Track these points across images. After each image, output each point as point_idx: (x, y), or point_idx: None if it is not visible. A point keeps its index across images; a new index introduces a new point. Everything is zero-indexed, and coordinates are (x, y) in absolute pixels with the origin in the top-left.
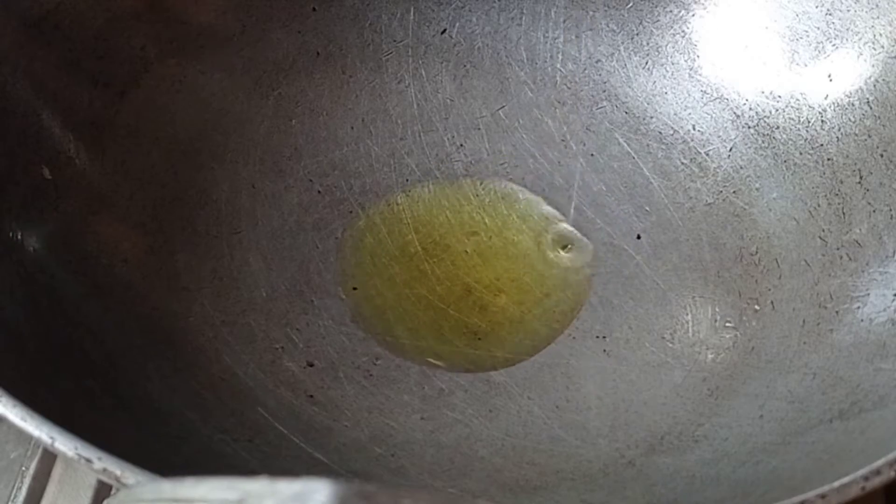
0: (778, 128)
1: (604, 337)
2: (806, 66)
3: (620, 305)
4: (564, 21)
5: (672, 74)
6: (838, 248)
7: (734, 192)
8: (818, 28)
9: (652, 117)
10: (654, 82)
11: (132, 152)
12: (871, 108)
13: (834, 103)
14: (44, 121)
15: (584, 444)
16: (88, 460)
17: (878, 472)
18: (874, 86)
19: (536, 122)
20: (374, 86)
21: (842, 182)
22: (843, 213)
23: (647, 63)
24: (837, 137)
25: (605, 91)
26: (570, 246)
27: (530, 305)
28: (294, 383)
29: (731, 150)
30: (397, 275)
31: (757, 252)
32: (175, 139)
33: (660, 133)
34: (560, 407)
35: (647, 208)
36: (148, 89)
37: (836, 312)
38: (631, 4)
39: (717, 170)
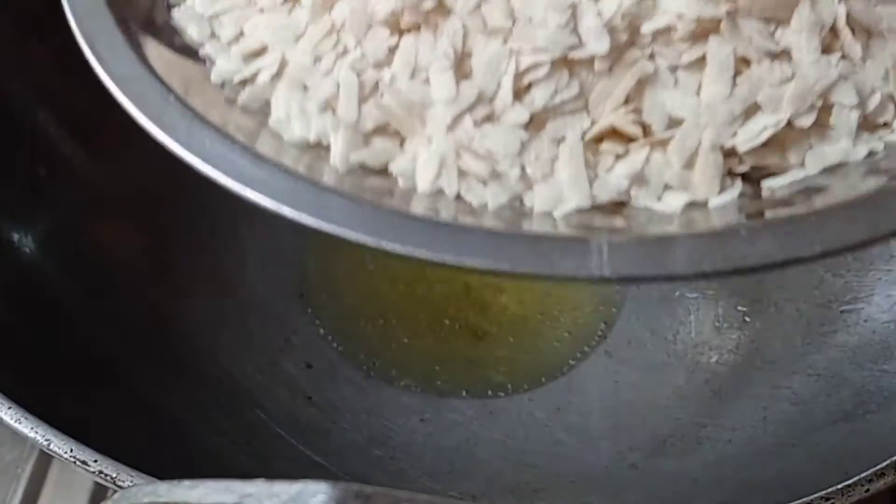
0: None
1: (605, 337)
2: None
3: (622, 305)
4: None
5: None
6: None
7: None
8: None
9: None
10: None
11: (129, 151)
12: None
13: None
14: (40, 119)
15: (585, 446)
16: (84, 462)
17: (882, 474)
18: None
19: None
20: None
21: None
22: None
23: None
24: None
25: None
26: None
27: (531, 305)
28: (292, 385)
29: None
30: (397, 274)
31: None
32: None
33: None
34: (561, 409)
35: None
36: None
37: (840, 313)
38: None
39: None
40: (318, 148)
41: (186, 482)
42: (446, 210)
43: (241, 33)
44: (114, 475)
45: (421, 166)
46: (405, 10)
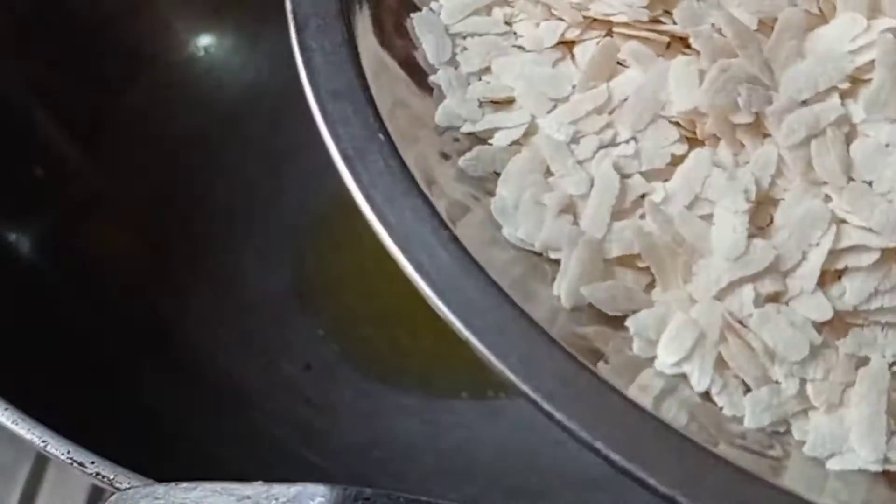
0: None
1: None
2: None
3: None
4: None
5: None
6: None
7: None
8: None
9: None
10: None
11: (127, 151)
12: None
13: None
14: (37, 119)
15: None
16: (81, 464)
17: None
18: None
19: None
20: None
21: None
22: None
23: None
24: None
25: None
26: None
27: None
28: (291, 386)
29: None
30: (397, 274)
31: None
32: (171, 138)
33: None
34: None
35: None
36: (143, 88)
37: None
38: None
39: None
40: (540, 259)
41: (184, 484)
42: (680, 407)
43: (488, 70)
44: (111, 477)
45: (670, 335)
46: (710, 113)
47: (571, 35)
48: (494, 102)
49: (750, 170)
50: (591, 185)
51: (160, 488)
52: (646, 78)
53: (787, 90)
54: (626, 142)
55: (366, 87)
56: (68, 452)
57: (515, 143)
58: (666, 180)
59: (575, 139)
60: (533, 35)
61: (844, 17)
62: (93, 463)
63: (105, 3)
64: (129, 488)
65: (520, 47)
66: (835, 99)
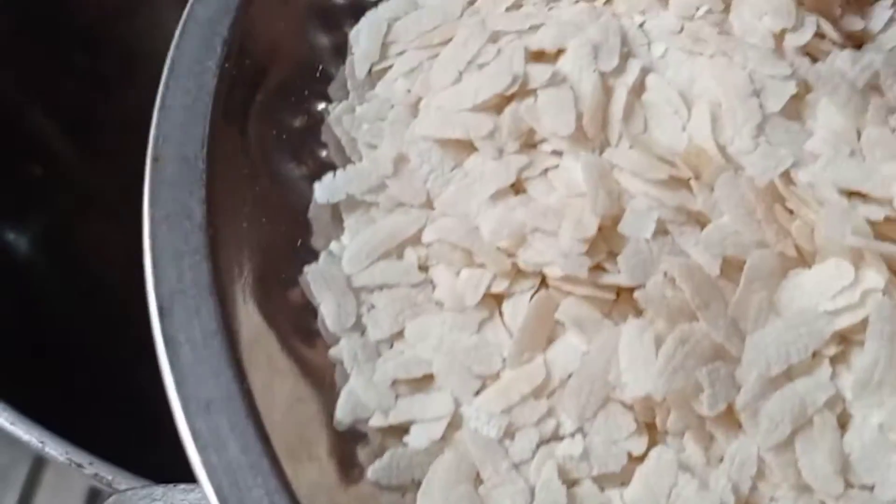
0: None
1: None
2: None
3: None
4: None
5: None
6: None
7: None
8: None
9: None
10: None
11: (125, 150)
12: None
13: None
14: (37, 119)
15: None
16: (80, 465)
17: None
18: None
19: None
20: None
21: None
22: None
23: None
24: None
25: None
26: None
27: None
28: None
29: None
30: None
31: None
32: None
33: None
34: None
35: None
36: (143, 87)
37: None
38: None
39: None
40: None
41: (182, 485)
42: None
43: (401, 335)
44: (109, 478)
45: None
46: (669, 401)
47: (498, 287)
48: (412, 383)
49: (725, 471)
50: (532, 497)
51: (159, 489)
52: (591, 349)
53: (755, 364)
54: (572, 435)
55: (247, 392)
56: (66, 453)
57: (439, 443)
58: (623, 484)
59: (509, 433)
60: (452, 287)
61: (828, 264)
62: (91, 464)
63: (104, 3)
64: (127, 489)
65: (438, 303)
66: (824, 369)
